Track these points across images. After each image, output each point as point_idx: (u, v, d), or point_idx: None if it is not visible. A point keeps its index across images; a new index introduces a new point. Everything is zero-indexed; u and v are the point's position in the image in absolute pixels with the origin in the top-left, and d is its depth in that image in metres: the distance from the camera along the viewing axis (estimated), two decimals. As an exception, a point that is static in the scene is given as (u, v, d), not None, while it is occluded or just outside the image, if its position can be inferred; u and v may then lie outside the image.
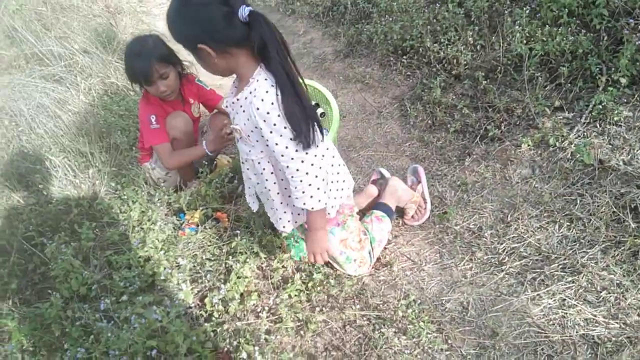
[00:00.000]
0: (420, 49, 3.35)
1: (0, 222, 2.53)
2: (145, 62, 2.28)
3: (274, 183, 1.75)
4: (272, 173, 1.72)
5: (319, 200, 1.59)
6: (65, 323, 1.89)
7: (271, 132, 1.48)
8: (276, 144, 1.49)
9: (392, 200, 2.27)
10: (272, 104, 1.44)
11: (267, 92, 1.44)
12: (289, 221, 1.85)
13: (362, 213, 2.30)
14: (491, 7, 3.26)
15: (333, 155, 1.82)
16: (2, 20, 3.86)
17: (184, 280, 2.00)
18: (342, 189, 1.85)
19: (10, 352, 1.74)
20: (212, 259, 2.17)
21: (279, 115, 1.45)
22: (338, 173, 1.82)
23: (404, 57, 3.50)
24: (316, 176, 1.55)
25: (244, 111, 1.55)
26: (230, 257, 2.10)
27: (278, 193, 1.78)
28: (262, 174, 1.72)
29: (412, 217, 2.35)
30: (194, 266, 2.14)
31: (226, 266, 2.13)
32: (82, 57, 3.81)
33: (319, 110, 2.53)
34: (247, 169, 1.80)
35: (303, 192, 1.57)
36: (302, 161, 1.51)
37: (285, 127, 1.46)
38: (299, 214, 1.84)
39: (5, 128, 3.02)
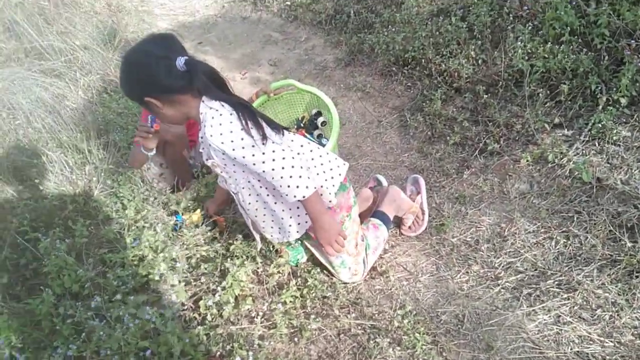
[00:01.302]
0: (422, 61, 3.37)
1: (-7, 216, 2.49)
2: None
3: (270, 195, 1.78)
4: (266, 188, 1.76)
5: (307, 187, 1.61)
6: (55, 320, 1.86)
7: (234, 149, 1.55)
8: (243, 157, 1.57)
9: (390, 209, 2.26)
10: (221, 124, 1.54)
11: (212, 117, 1.55)
12: (298, 225, 1.83)
13: (359, 219, 2.30)
14: (494, 23, 3.29)
15: (306, 146, 1.83)
16: (3, 12, 3.84)
17: (179, 281, 1.98)
18: (332, 169, 1.83)
19: (-1, 347, 1.71)
20: (208, 261, 2.15)
21: (231, 132, 1.54)
22: (320, 156, 1.82)
23: (405, 68, 3.51)
24: (292, 166, 1.59)
25: (209, 145, 1.62)
26: (228, 260, 2.09)
27: (275, 203, 1.79)
28: (258, 194, 1.78)
29: (410, 227, 2.35)
30: (189, 268, 2.12)
31: (221, 270, 2.11)
32: (83, 53, 3.79)
33: (320, 119, 2.53)
34: (244, 200, 1.83)
35: (289, 186, 1.59)
36: (273, 159, 1.57)
37: (241, 139, 1.54)
38: (305, 216, 1.81)
39: (2, 121, 2.99)
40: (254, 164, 1.58)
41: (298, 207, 1.80)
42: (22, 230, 2.28)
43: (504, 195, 2.45)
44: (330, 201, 1.81)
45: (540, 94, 2.70)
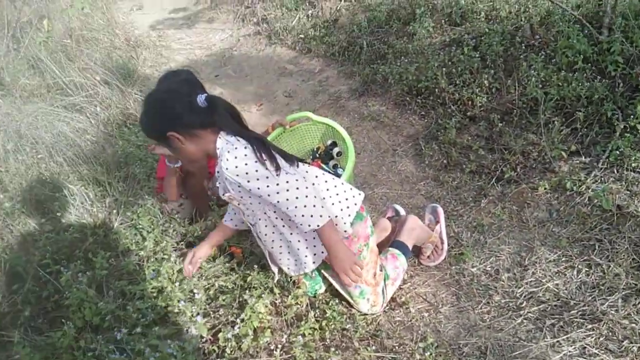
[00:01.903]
0: (435, 90, 3.40)
1: (17, 248, 2.53)
2: None
3: (286, 226, 1.81)
4: (281, 219, 1.79)
5: (321, 216, 1.63)
6: (76, 354, 1.87)
7: (248, 181, 1.62)
8: (258, 188, 1.62)
9: (409, 238, 2.25)
10: (236, 158, 1.60)
11: (228, 152, 1.62)
12: (314, 256, 1.84)
13: (377, 249, 2.29)
14: (506, 52, 3.32)
15: (321, 176, 1.85)
16: (29, 50, 3.98)
17: (198, 313, 1.98)
18: (347, 199, 1.84)
19: (21, 381, 1.71)
20: (226, 292, 2.15)
21: (245, 164, 1.60)
22: (335, 186, 1.84)
23: (419, 97, 3.55)
24: (306, 195, 1.62)
25: (226, 179, 1.69)
26: (246, 291, 2.09)
27: (291, 233, 1.82)
28: (275, 225, 1.81)
29: (429, 257, 2.33)
30: (207, 299, 2.12)
31: (239, 301, 2.11)
32: (103, 88, 3.90)
33: (336, 149, 2.55)
34: (260, 231, 1.86)
35: (303, 216, 1.62)
36: (287, 190, 1.61)
37: (256, 170, 1.60)
38: (321, 247, 1.82)
39: (26, 155, 3.06)
40: (269, 195, 1.62)
41: (314, 238, 1.81)
42: (44, 263, 2.31)
43: (523, 223, 2.44)
44: (345, 231, 1.82)
45: (555, 122, 2.70)
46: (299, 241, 1.82)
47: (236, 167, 1.60)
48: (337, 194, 1.84)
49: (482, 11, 3.81)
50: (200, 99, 1.67)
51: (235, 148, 1.62)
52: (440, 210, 2.42)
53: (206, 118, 1.68)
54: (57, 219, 2.66)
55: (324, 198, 1.78)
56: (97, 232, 2.56)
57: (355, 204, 1.86)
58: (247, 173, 1.61)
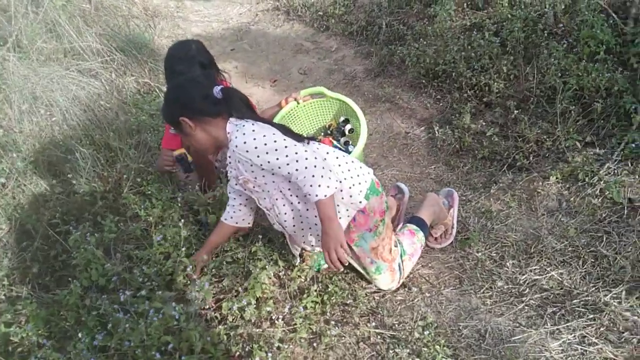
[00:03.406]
0: (453, 74, 3.36)
1: (27, 208, 2.57)
2: (187, 67, 2.33)
3: (301, 202, 1.83)
4: (297, 195, 1.82)
5: (328, 186, 1.65)
6: (81, 312, 1.91)
7: (258, 155, 1.68)
8: (269, 162, 1.67)
9: (428, 215, 2.27)
10: (244, 134, 1.69)
11: (237, 131, 1.72)
12: None
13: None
14: (527, 39, 3.26)
15: (332, 153, 1.88)
16: (47, 14, 3.97)
17: (203, 281, 2.00)
18: (359, 175, 1.86)
19: (27, 333, 1.75)
20: (231, 262, 2.17)
21: (254, 139, 1.67)
22: (346, 162, 1.86)
23: (435, 80, 3.51)
24: (314, 166, 1.65)
25: (238, 161, 1.77)
26: (250, 262, 2.10)
27: (307, 209, 1.84)
28: (291, 202, 1.83)
29: (436, 238, 2.33)
30: (212, 268, 2.14)
31: (244, 271, 2.13)
32: (119, 55, 3.90)
33: (348, 126, 2.54)
34: (280, 212, 1.88)
35: (311, 186, 1.64)
36: (297, 160, 1.65)
37: (265, 144, 1.66)
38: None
39: (40, 117, 3.08)
40: (279, 167, 1.66)
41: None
42: (54, 223, 2.35)
43: (532, 212, 2.42)
44: (360, 202, 1.83)
45: (572, 112, 2.66)
46: (315, 216, 1.82)
47: (244, 142, 1.67)
48: (349, 170, 1.85)
49: (506, -4, 3.73)
50: (216, 90, 1.80)
51: (243, 126, 1.72)
52: (456, 195, 2.45)
53: (219, 108, 1.80)
54: (68, 181, 2.69)
55: (331, 170, 1.78)
56: (107, 197, 2.58)
57: (366, 181, 1.86)
58: (256, 147, 1.66)
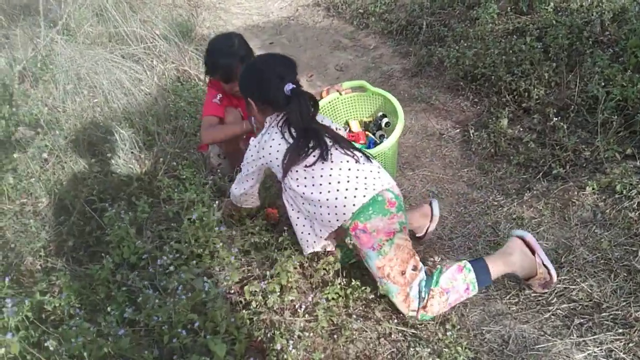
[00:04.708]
0: (492, 78, 3.31)
1: (66, 184, 2.66)
2: (229, 61, 2.38)
3: (287, 204, 2.04)
4: (286, 200, 2.04)
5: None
6: (112, 286, 1.97)
7: (271, 161, 1.98)
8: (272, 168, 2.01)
9: (498, 264, 1.96)
10: (266, 141, 1.95)
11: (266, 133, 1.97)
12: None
13: (413, 232, 2.29)
14: (571, 46, 3.19)
15: (347, 165, 1.92)
16: (95, -1, 4.11)
17: (232, 261, 2.03)
18: (357, 189, 1.87)
19: (60, 302, 1.82)
20: (259, 249, 2.21)
21: (270, 154, 1.94)
22: (356, 177, 1.89)
23: (474, 83, 3.46)
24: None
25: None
26: (276, 251, 2.13)
27: (319, 200, 1.88)
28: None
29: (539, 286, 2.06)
30: (239, 253, 2.17)
31: (270, 260, 2.15)
32: (161, 42, 3.99)
33: (385, 120, 2.55)
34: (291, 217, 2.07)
35: None
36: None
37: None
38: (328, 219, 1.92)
39: (83, 97, 3.19)
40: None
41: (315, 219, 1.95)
42: (90, 200, 2.42)
43: (565, 221, 2.37)
44: (345, 213, 1.86)
45: (613, 123, 2.59)
46: (327, 207, 1.89)
47: (263, 148, 1.94)
48: (347, 189, 1.86)
49: (552, 1, 3.65)
50: (288, 87, 1.89)
51: (268, 133, 1.94)
52: (530, 238, 2.01)
53: (282, 103, 1.91)
54: (106, 161, 2.78)
55: (339, 182, 1.87)
56: (142, 178, 2.65)
57: (364, 196, 1.84)
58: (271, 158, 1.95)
